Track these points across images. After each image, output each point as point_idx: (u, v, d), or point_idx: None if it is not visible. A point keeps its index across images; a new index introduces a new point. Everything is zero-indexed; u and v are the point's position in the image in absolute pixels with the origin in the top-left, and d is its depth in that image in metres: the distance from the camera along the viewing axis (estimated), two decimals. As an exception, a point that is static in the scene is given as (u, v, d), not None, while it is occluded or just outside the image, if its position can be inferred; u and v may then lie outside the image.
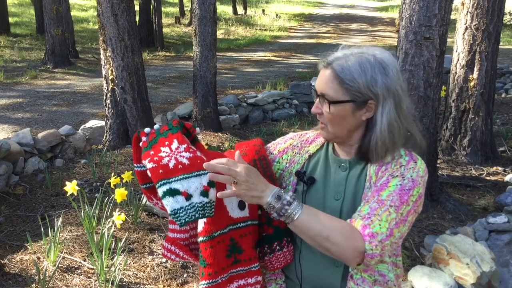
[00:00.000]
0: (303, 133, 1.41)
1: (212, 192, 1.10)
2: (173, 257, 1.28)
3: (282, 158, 1.37)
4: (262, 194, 1.09)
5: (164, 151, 1.10)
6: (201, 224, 1.15)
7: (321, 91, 1.22)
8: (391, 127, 1.19)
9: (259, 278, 1.24)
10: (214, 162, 1.07)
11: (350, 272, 1.23)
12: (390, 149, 1.22)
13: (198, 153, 1.14)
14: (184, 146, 1.13)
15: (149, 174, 1.09)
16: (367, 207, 1.14)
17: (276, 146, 1.40)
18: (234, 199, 1.20)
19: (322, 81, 1.23)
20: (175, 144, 1.12)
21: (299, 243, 1.31)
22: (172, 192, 1.06)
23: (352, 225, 1.12)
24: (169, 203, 1.06)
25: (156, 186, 1.08)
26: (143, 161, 1.12)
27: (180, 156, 1.10)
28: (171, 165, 1.08)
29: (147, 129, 1.17)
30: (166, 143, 1.12)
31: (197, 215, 1.07)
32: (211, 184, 1.10)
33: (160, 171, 1.07)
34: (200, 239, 1.15)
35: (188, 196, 1.07)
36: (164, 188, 1.06)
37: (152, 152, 1.11)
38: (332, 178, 1.29)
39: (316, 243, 1.12)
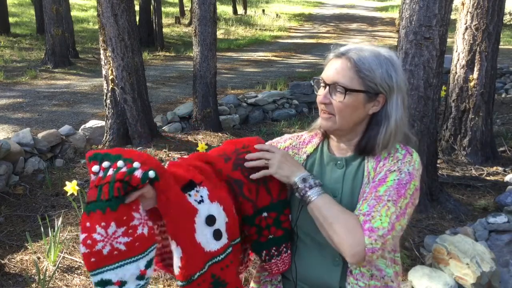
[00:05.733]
0: (299, 135, 1.43)
1: (150, 272, 1.05)
2: None
3: None
4: (292, 174, 1.23)
5: (99, 233, 0.99)
6: (176, 268, 1.08)
7: (334, 80, 1.22)
8: (401, 120, 1.24)
9: None
10: (259, 146, 1.29)
11: (349, 268, 1.24)
12: (391, 143, 1.24)
13: (140, 231, 1.03)
14: (123, 229, 1.01)
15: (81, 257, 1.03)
16: (366, 205, 1.16)
17: (277, 144, 1.42)
18: (208, 231, 1.13)
19: (335, 70, 1.22)
20: (112, 228, 1.00)
21: (298, 243, 1.32)
22: (104, 283, 1.01)
23: (357, 220, 1.14)
24: None
25: (89, 274, 1.03)
26: (81, 234, 1.01)
27: (117, 242, 1.01)
28: (105, 251, 1.00)
29: (95, 168, 1.02)
30: (103, 224, 0.99)
31: None
32: (148, 264, 1.05)
33: (92, 259, 1.00)
34: (179, 283, 1.09)
35: (122, 284, 1.02)
36: (97, 278, 1.01)
37: (88, 224, 0.99)
38: (329, 177, 1.30)
39: (323, 229, 1.17)
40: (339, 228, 1.13)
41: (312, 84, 1.32)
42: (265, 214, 1.25)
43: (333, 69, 1.23)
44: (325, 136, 1.36)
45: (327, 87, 1.23)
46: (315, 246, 1.29)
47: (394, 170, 1.20)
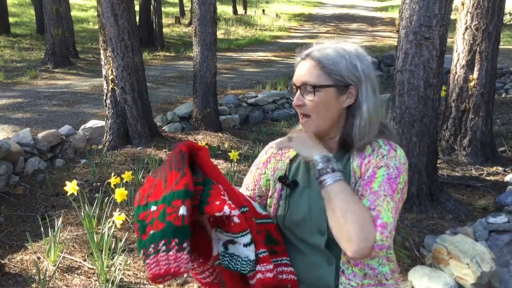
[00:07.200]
0: None
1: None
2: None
3: (267, 168, 1.40)
4: (311, 154, 1.21)
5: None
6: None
7: (302, 81, 1.26)
8: (374, 109, 1.26)
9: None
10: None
11: (341, 268, 1.23)
12: (368, 134, 1.25)
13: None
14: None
15: (237, 220, 1.14)
16: (366, 200, 1.15)
17: (260, 159, 1.44)
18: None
19: (302, 72, 1.28)
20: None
21: (290, 248, 1.31)
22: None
23: (370, 214, 1.11)
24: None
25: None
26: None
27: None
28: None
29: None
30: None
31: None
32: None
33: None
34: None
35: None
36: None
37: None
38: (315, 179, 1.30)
39: (335, 216, 1.13)
40: (353, 220, 1.09)
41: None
42: (153, 208, 1.08)
43: (301, 71, 1.28)
44: None
45: (299, 90, 1.27)
46: (307, 249, 1.29)
47: (381, 166, 1.20)
